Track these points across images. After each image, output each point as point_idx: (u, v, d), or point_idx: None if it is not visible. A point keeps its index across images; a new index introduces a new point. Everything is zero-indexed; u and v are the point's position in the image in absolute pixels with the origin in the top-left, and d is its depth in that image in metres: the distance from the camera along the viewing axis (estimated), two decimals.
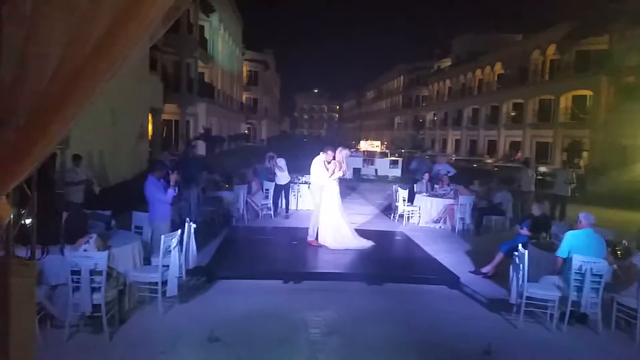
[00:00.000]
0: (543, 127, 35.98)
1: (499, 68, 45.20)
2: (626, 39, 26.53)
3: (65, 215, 5.96)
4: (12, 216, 3.17)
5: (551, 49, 35.61)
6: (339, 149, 9.42)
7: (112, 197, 10.98)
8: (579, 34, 31.09)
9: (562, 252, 6.12)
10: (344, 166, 9.27)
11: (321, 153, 9.22)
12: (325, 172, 9.09)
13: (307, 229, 9.32)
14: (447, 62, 60.47)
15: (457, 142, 52.93)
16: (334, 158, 9.16)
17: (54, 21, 2.11)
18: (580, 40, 31.53)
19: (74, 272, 5.03)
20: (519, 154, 36.65)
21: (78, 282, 5.03)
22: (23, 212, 3.37)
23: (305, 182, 13.41)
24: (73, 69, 2.28)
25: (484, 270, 7.99)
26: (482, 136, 46.59)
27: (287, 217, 12.37)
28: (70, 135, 12.04)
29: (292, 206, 13.45)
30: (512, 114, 41.81)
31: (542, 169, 29.51)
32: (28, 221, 3.42)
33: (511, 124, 41.31)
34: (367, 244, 9.06)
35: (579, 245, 6.01)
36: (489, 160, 35.52)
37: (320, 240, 9.02)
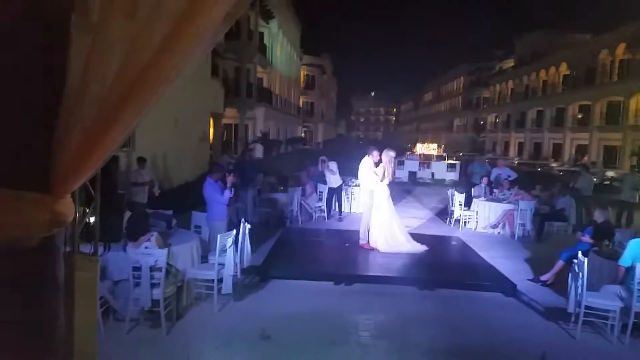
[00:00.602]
0: (611, 130, 34.15)
1: (564, 69, 43.33)
2: None
3: (128, 214, 6.29)
4: (77, 215, 3.43)
5: (620, 49, 33.74)
6: (385, 151, 9.36)
7: (174, 198, 11.47)
8: None
9: (624, 260, 5.83)
10: (390, 169, 9.18)
11: (367, 156, 9.22)
12: (372, 174, 9.07)
13: (358, 231, 9.34)
14: (509, 63, 58.58)
15: (520, 145, 51.15)
16: (380, 160, 9.14)
17: (117, 26, 2.25)
18: None
19: (135, 269, 5.32)
20: (585, 158, 34.94)
21: (139, 278, 5.31)
22: (88, 211, 3.63)
23: (358, 185, 13.41)
24: (134, 73, 2.41)
25: (543, 278, 7.72)
26: (546, 139, 44.78)
27: (340, 219, 12.44)
28: (136, 139, 12.72)
29: (345, 209, 13.50)
30: (579, 116, 39.93)
31: (610, 173, 28.01)
32: (92, 219, 3.68)
33: (577, 127, 39.48)
34: (420, 248, 8.97)
35: None
36: (554, 164, 34.05)
37: (372, 243, 9.01)
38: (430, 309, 6.51)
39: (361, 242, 9.16)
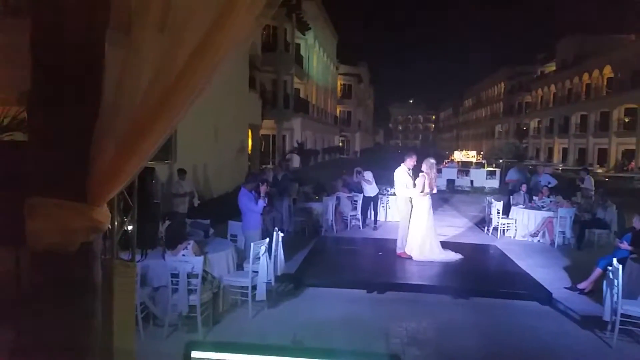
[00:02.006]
0: None
1: (608, 71, 41.92)
2: None
3: (167, 224, 6.59)
4: (116, 223, 3.67)
5: None
6: (426, 160, 9.34)
7: (213, 208, 11.80)
8: None
9: None
10: (431, 178, 9.15)
11: (402, 164, 9.25)
12: (409, 182, 9.08)
13: (394, 240, 9.37)
14: (551, 67, 57.15)
15: (565, 150, 49.67)
16: (416, 167, 9.15)
17: (149, 40, 2.42)
18: None
19: (173, 275, 5.57)
20: (633, 164, 33.60)
21: (177, 285, 5.55)
22: (126, 220, 3.88)
23: (394, 194, 13.44)
24: (166, 84, 2.58)
25: (580, 286, 7.54)
26: (591, 144, 43.36)
27: (375, 228, 12.47)
28: (177, 151, 13.18)
29: (380, 217, 13.53)
30: (625, 120, 38.47)
31: None
32: (130, 228, 3.93)
33: (623, 131, 38.03)
34: (455, 257, 8.92)
35: None
36: (599, 170, 32.91)
37: (407, 251, 9.03)
38: (463, 318, 6.49)
39: (398, 251, 9.18)
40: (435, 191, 9.33)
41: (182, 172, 10.90)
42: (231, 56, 2.73)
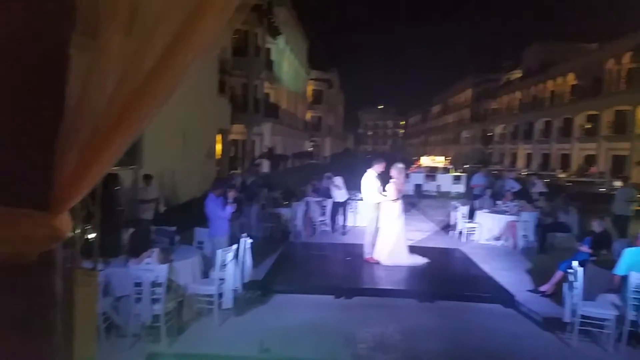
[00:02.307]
0: (619, 140, 33.95)
1: (571, 79, 43.28)
2: None
3: (130, 231, 6.47)
4: (78, 231, 3.60)
5: (627, 58, 33.69)
6: (394, 165, 9.45)
7: (180, 214, 11.64)
8: None
9: (619, 269, 5.89)
10: (400, 183, 9.26)
11: (370, 170, 9.34)
12: (377, 187, 9.18)
13: (362, 245, 9.43)
14: (517, 74, 58.60)
15: (529, 156, 50.97)
16: (384, 172, 9.26)
17: (115, 44, 2.37)
18: None
19: (136, 284, 5.47)
20: (594, 168, 34.73)
21: (140, 294, 5.46)
22: (88, 227, 3.80)
23: (362, 199, 13.55)
24: (131, 89, 2.53)
25: (542, 288, 7.76)
26: (554, 150, 44.62)
27: (344, 233, 12.53)
28: (143, 156, 12.97)
29: (349, 223, 13.61)
30: (587, 126, 39.76)
31: (618, 183, 27.84)
32: (92, 236, 3.85)
33: (585, 137, 39.29)
34: (421, 261, 9.05)
35: (638, 263, 5.75)
36: (562, 175, 33.87)
37: (376, 256, 9.10)
38: (428, 321, 6.58)
39: (366, 256, 9.24)
40: (402, 191, 9.44)
41: (147, 177, 10.73)
42: (200, 61, 2.71)
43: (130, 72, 2.51)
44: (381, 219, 9.23)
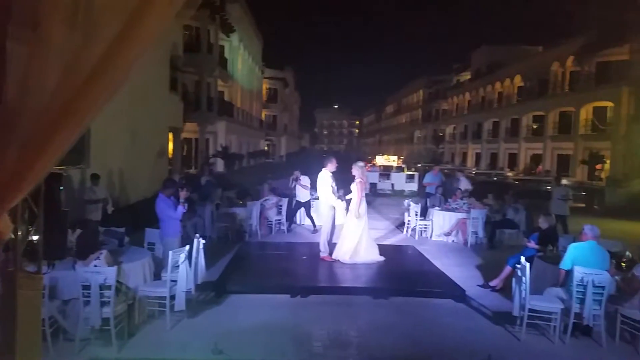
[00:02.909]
0: (564, 140, 35.51)
1: (518, 80, 44.90)
2: None
3: (78, 232, 6.22)
4: (20, 233, 3.41)
5: (571, 61, 35.26)
6: (355, 165, 9.48)
7: (130, 215, 11.30)
8: (598, 45, 30.75)
9: (565, 264, 6.13)
10: (364, 182, 9.31)
11: (324, 169, 9.37)
12: (332, 185, 9.22)
13: (318, 243, 9.42)
14: (466, 76, 60.31)
15: (478, 155, 52.54)
16: (339, 171, 9.33)
17: (58, 36, 2.24)
18: (600, 52, 31.17)
19: (84, 287, 5.27)
20: (540, 167, 36.18)
21: (88, 297, 5.26)
22: (31, 229, 3.61)
23: (318, 198, 13.56)
24: (76, 84, 2.40)
25: (492, 283, 8.00)
26: (502, 149, 46.17)
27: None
28: (90, 155, 12.50)
29: (305, 221, 13.62)
30: (533, 126, 41.36)
31: (564, 181, 29.11)
32: (35, 238, 3.66)
33: (532, 137, 40.85)
34: (379, 258, 9.11)
35: (582, 258, 6.01)
36: (510, 174, 35.11)
37: (340, 254, 9.11)
38: (383, 318, 6.66)
39: (322, 254, 9.23)
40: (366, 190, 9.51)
41: (95, 177, 10.36)
42: (148, 55, 2.59)
43: (74, 66, 2.37)
44: (346, 218, 9.25)
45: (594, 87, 32.10)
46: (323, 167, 9.54)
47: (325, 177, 9.29)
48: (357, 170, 9.31)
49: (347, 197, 9.54)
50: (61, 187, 4.51)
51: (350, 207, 9.21)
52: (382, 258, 9.15)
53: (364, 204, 9.23)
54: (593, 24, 31.46)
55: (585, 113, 33.47)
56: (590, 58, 32.48)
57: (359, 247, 9.09)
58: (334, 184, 9.36)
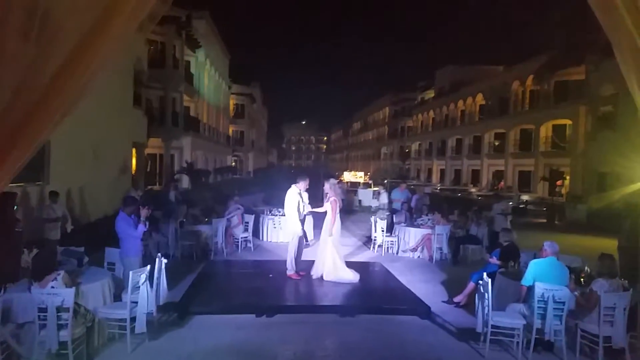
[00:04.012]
0: (524, 156, 36.58)
1: (480, 99, 46.18)
2: (601, 69, 27.27)
3: (35, 252, 5.99)
4: None
5: (530, 80, 36.48)
6: (328, 182, 9.49)
7: (89, 234, 10.97)
8: (555, 65, 31.90)
9: (526, 280, 6.24)
10: (338, 198, 9.28)
11: (293, 185, 9.33)
12: (299, 202, 9.18)
13: (285, 261, 9.32)
14: (430, 94, 61.65)
15: (442, 171, 53.52)
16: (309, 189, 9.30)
17: (10, 51, 2.14)
18: (557, 71, 32.33)
19: (40, 310, 5.07)
20: (502, 183, 37.09)
21: (45, 320, 5.05)
22: None
23: (284, 215, 13.50)
24: (28, 101, 2.29)
25: (456, 299, 8.08)
26: (465, 166, 47.20)
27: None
28: (50, 171, 12.12)
29: (272, 238, 13.53)
30: (495, 143, 42.48)
31: (525, 197, 29.91)
32: None
33: (494, 154, 41.94)
34: (356, 277, 9.01)
35: (543, 274, 6.14)
36: (473, 190, 35.86)
37: (313, 272, 9.04)
38: (350, 336, 6.62)
39: (289, 272, 9.14)
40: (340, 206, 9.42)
41: (54, 194, 10.04)
42: (110, 70, 2.52)
43: (30, 79, 2.27)
44: (322, 236, 9.19)
45: (552, 106, 33.29)
46: (294, 183, 9.47)
47: (294, 193, 9.24)
48: (329, 187, 9.30)
49: (315, 209, 9.60)
50: (15, 207, 4.37)
51: (324, 225, 9.16)
52: (357, 276, 9.02)
53: (337, 223, 9.20)
54: (551, 45, 32.73)
55: (545, 131, 34.60)
56: (548, 77, 33.69)
57: (336, 264, 9.03)
58: (302, 201, 9.32)
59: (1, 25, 2.23)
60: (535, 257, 6.72)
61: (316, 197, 11.74)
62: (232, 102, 55.93)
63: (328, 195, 9.22)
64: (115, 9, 2.31)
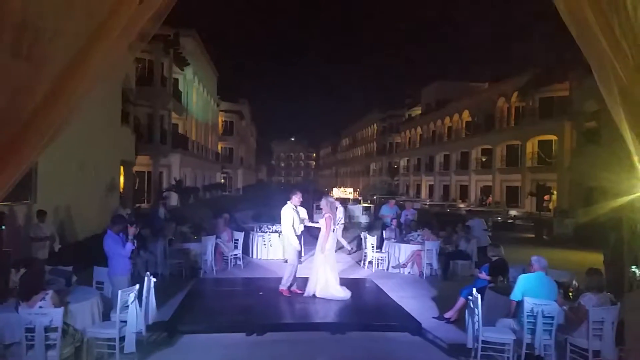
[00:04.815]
0: (512, 172, 36.90)
1: (466, 115, 46.66)
2: (584, 86, 27.76)
3: (22, 271, 5.92)
4: None
5: (515, 96, 36.99)
6: (324, 198, 9.58)
7: (77, 252, 10.84)
8: (539, 82, 32.50)
9: (515, 295, 6.28)
10: (334, 215, 9.33)
11: (288, 202, 9.35)
12: (295, 219, 9.17)
13: (275, 278, 9.32)
14: (417, 111, 62.26)
15: (431, 187, 53.82)
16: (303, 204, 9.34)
17: (1, 67, 2.13)
18: (541, 88, 32.90)
19: (28, 330, 5.00)
20: (490, 199, 37.35)
21: (32, 340, 4.99)
22: None
23: (276, 231, 13.48)
24: (18, 120, 2.29)
25: (446, 315, 8.08)
26: (454, 181, 47.50)
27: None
28: (37, 190, 12.01)
29: (262, 255, 13.47)
30: (482, 159, 42.86)
31: (513, 212, 30.13)
32: None
33: (481, 169, 42.27)
34: (347, 294, 9.00)
35: (532, 288, 6.18)
36: (462, 205, 36.08)
37: (307, 289, 9.00)
38: (341, 354, 6.60)
39: (281, 287, 9.12)
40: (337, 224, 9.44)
41: (41, 213, 9.96)
42: (99, 88, 2.54)
43: (18, 99, 2.27)
44: (316, 252, 9.19)
45: (538, 122, 33.68)
46: (283, 199, 9.49)
47: (289, 210, 9.24)
48: (325, 204, 9.34)
49: (311, 224, 9.72)
50: (2, 226, 4.33)
51: (318, 242, 9.17)
52: (349, 294, 9.02)
53: (331, 239, 9.20)
54: (535, 62, 33.36)
55: (532, 146, 34.99)
56: (533, 94, 34.22)
57: (328, 282, 9.01)
58: (298, 217, 9.32)
59: None
60: (524, 272, 6.76)
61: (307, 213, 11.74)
62: (220, 119, 56.08)
63: (323, 211, 9.25)
64: (106, 29, 2.34)
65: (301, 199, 9.61)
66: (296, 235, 9.20)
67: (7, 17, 2.13)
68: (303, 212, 9.68)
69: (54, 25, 2.35)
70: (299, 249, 9.20)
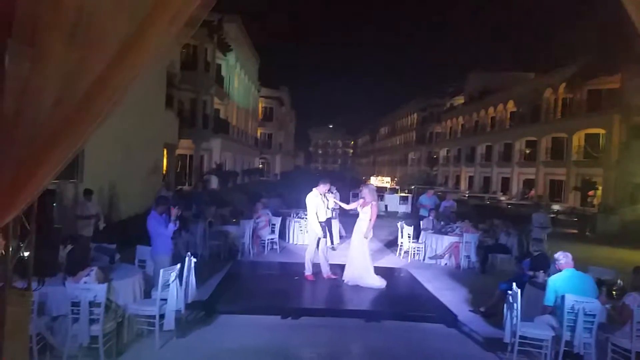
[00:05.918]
0: (556, 165, 35.80)
1: (511, 106, 45.39)
2: (637, 78, 26.54)
3: (69, 248, 6.17)
4: (11, 249, 3.38)
5: (563, 88, 35.73)
6: (370, 188, 9.70)
7: (121, 231, 11.22)
8: (589, 73, 31.23)
9: (548, 300, 6.06)
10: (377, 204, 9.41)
11: (314, 189, 9.39)
12: (319, 206, 9.20)
13: (312, 264, 9.35)
14: (460, 100, 60.93)
15: (471, 178, 52.81)
16: (330, 191, 9.41)
17: (56, 54, 2.22)
18: (590, 80, 31.64)
19: (74, 304, 5.22)
20: (532, 192, 36.35)
21: (77, 314, 5.20)
22: (22, 245, 3.58)
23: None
24: (74, 101, 2.38)
25: (483, 309, 7.97)
26: (495, 173, 46.45)
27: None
28: (84, 170, 12.46)
29: (298, 241, 13.57)
30: (526, 151, 41.69)
31: (555, 207, 29.27)
32: (26, 254, 3.63)
33: (524, 162, 41.16)
34: (383, 283, 9.00)
35: (564, 288, 5.96)
36: (502, 198, 35.25)
37: (344, 276, 9.07)
38: (375, 342, 6.61)
39: (306, 273, 9.21)
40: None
41: (88, 192, 10.31)
42: (147, 73, 2.59)
43: (73, 83, 2.36)
44: (354, 239, 9.22)
45: (585, 115, 32.48)
46: (315, 187, 9.53)
47: (314, 196, 9.28)
48: (368, 192, 9.37)
49: (343, 205, 10.14)
50: (54, 204, 4.52)
51: (360, 228, 9.18)
52: (385, 283, 9.01)
53: (370, 227, 9.21)
54: (585, 52, 32.02)
55: (578, 139, 33.80)
56: (581, 86, 32.96)
57: (368, 269, 9.03)
58: (323, 204, 9.35)
59: (49, 31, 2.29)
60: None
61: (342, 201, 11.75)
62: (260, 105, 56.49)
63: (365, 199, 9.24)
64: (157, 15, 2.37)
65: (328, 188, 9.70)
66: (319, 222, 9.21)
67: (64, 3, 2.18)
68: (332, 199, 9.75)
69: (106, 11, 2.40)
70: (321, 235, 9.22)
